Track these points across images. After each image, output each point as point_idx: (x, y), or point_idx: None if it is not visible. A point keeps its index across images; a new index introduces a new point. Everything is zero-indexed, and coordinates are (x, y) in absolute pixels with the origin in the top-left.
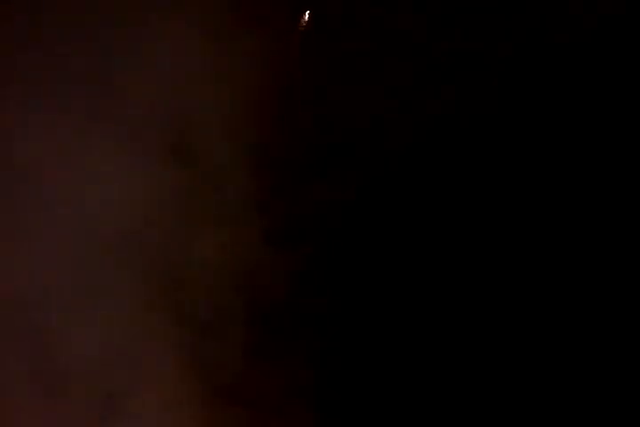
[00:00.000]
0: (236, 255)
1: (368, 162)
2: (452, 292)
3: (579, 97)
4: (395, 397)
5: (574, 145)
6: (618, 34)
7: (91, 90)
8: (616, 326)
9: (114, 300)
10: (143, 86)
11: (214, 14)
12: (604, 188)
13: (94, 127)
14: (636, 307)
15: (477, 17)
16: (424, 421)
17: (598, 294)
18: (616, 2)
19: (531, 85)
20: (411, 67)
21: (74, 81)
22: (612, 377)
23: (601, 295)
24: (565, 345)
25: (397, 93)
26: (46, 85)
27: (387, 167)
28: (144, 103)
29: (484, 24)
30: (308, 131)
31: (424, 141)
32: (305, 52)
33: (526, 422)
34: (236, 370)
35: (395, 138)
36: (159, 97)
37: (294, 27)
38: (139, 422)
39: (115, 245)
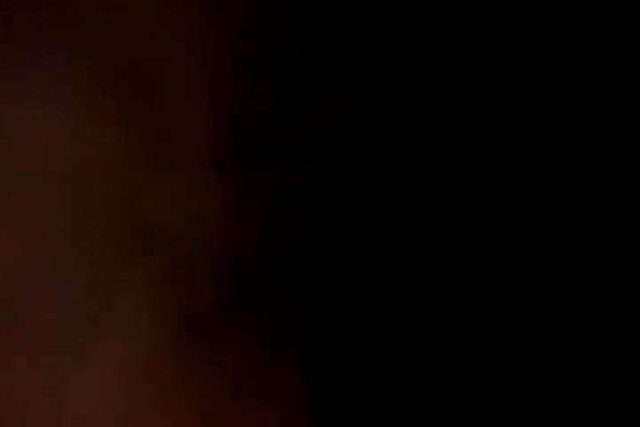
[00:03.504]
0: (196, 209)
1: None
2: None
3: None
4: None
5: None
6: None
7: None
8: (616, 326)
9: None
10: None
11: None
12: (602, 187)
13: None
14: (637, 307)
15: None
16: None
17: (598, 294)
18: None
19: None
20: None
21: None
22: (611, 377)
23: (601, 295)
24: (565, 345)
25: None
26: None
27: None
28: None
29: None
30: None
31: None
32: None
33: (526, 421)
34: (207, 300)
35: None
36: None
37: None
38: (109, 353)
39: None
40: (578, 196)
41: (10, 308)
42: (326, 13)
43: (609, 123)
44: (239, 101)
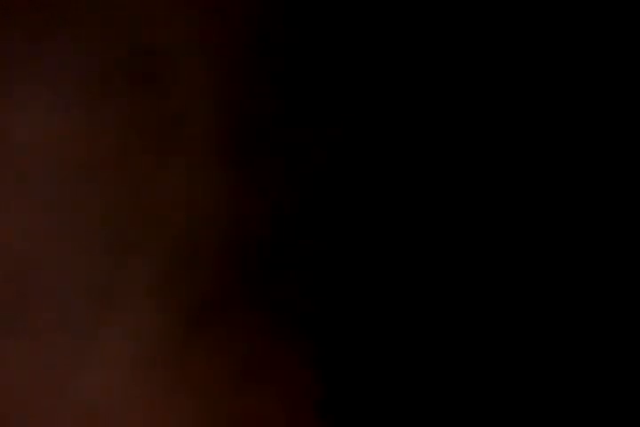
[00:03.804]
0: (203, 187)
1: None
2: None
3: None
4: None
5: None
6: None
7: None
8: (616, 326)
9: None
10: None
11: None
12: (602, 187)
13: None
14: (637, 307)
15: None
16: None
17: (598, 294)
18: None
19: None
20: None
21: None
22: (611, 377)
23: (601, 295)
24: (566, 345)
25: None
26: None
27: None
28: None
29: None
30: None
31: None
32: None
33: (526, 421)
34: (211, 287)
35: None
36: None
37: None
38: (111, 344)
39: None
40: (576, 195)
41: (10, 307)
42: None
43: (608, 123)
44: (242, 92)
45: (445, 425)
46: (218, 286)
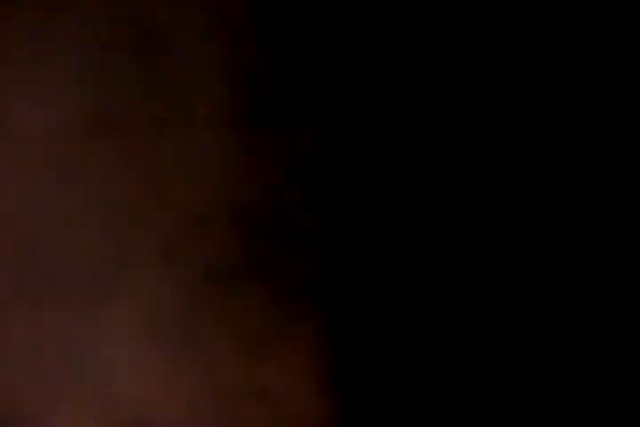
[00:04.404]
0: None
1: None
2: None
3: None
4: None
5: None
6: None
7: None
8: (616, 326)
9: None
10: None
11: None
12: (602, 187)
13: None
14: (637, 307)
15: None
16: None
17: (598, 294)
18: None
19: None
20: None
21: None
22: (611, 377)
23: (601, 295)
24: (566, 345)
25: None
26: None
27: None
28: None
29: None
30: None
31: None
32: None
33: (526, 421)
34: (222, 255)
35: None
36: None
37: None
38: (122, 321)
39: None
40: (576, 195)
41: (22, 279)
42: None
43: (608, 123)
44: (252, 61)
45: (454, 401)
46: (223, 256)
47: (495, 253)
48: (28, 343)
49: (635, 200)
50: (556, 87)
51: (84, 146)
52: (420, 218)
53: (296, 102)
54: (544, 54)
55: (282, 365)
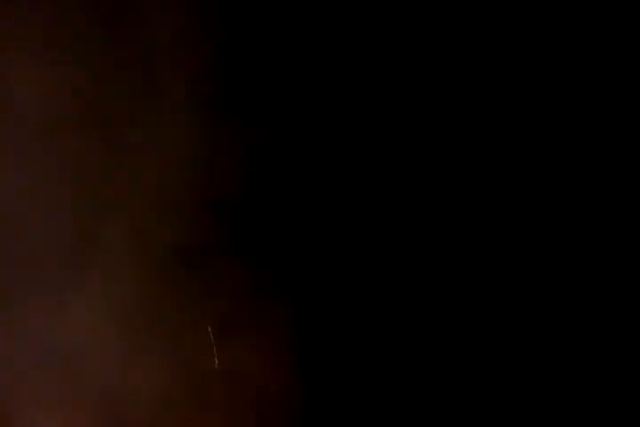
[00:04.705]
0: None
1: None
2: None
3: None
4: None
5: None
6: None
7: None
8: (616, 326)
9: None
10: None
11: None
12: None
13: None
14: (637, 307)
15: None
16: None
17: (598, 294)
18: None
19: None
20: None
21: None
22: (611, 377)
23: (601, 295)
24: (566, 345)
25: None
26: None
27: None
28: None
29: None
30: None
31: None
32: None
33: (526, 421)
34: (192, 240)
35: None
36: None
37: None
38: (93, 295)
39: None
40: (576, 195)
41: (11, 226)
42: None
43: (608, 123)
44: (228, 42)
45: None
46: (195, 242)
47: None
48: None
49: (635, 200)
50: (553, 86)
51: (51, 130)
52: (393, 204)
53: (271, 87)
54: (542, 52)
55: (252, 348)
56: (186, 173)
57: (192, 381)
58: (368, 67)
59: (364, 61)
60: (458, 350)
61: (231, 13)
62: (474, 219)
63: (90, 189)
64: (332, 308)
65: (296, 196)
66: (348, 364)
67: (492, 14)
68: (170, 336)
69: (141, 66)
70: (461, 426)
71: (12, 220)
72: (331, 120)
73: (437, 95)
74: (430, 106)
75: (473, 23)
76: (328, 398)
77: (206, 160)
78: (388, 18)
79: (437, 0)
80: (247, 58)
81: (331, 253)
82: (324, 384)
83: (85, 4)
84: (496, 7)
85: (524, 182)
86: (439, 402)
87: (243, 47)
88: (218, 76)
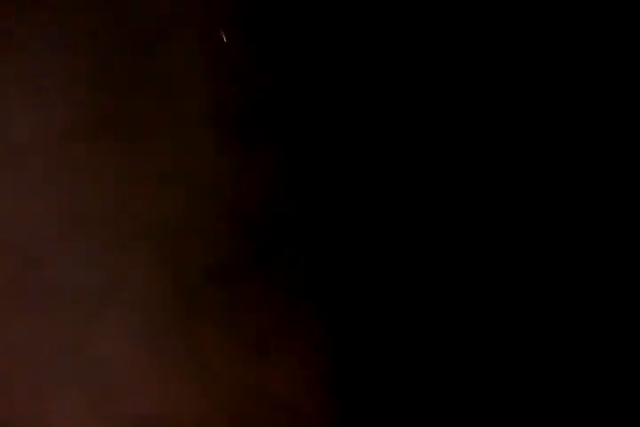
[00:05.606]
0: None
1: None
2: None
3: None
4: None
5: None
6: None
7: None
8: (616, 326)
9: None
10: None
11: None
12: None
13: None
14: (637, 307)
15: None
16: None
17: (598, 294)
18: None
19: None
20: None
21: None
22: (611, 377)
23: (601, 295)
24: (566, 345)
25: None
26: None
27: None
28: None
29: None
30: None
31: None
32: None
33: (526, 421)
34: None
35: None
36: None
37: None
38: (120, 322)
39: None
40: (576, 195)
41: (25, 260)
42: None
43: (608, 123)
44: (239, 61)
45: (453, 402)
46: (222, 257)
47: (491, 251)
48: (27, 344)
49: (635, 200)
50: (551, 86)
51: (78, 149)
52: (415, 218)
53: (288, 103)
54: (541, 52)
55: (282, 364)
56: (212, 189)
57: (221, 396)
58: (382, 90)
59: (377, 83)
60: (492, 372)
61: (251, 42)
62: (477, 219)
63: (117, 205)
64: (366, 323)
65: (320, 211)
66: (385, 381)
67: (492, 14)
68: (198, 352)
69: (161, 89)
70: None
71: (40, 238)
72: (354, 139)
73: (447, 102)
74: (437, 116)
75: (474, 24)
76: (364, 416)
77: (230, 180)
78: (396, 35)
79: (438, 1)
80: (258, 82)
81: (358, 267)
82: (359, 402)
83: (103, 29)
84: (496, 7)
85: (534, 181)
86: (472, 416)
87: (253, 74)
88: (235, 97)
